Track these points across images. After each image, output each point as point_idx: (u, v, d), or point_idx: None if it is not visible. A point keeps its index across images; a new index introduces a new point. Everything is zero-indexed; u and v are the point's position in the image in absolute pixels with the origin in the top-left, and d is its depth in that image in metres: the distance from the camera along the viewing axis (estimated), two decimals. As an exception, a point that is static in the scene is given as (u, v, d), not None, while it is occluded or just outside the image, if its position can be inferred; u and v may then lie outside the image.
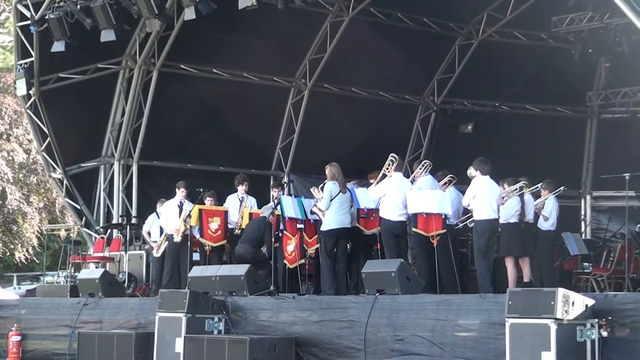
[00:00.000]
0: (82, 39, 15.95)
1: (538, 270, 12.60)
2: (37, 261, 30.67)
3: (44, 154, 18.38)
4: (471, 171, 11.87)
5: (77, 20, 15.44)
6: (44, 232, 27.93)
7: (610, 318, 8.58)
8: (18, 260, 30.33)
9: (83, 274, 14.83)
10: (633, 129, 19.97)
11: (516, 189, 11.93)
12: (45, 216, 30.45)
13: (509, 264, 11.84)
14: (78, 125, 18.65)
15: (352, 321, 10.31)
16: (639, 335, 8.44)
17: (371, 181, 12.75)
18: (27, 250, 29.95)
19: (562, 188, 12.94)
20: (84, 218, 18.69)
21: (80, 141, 18.89)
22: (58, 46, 15.81)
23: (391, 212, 11.95)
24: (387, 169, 12.16)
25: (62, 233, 27.94)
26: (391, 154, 12.19)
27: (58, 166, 18.28)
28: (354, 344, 10.19)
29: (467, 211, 12.33)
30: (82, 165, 18.83)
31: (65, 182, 18.46)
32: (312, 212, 12.91)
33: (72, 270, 17.72)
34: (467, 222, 12.24)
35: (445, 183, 12.78)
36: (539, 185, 12.63)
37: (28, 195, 29.76)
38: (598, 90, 20.78)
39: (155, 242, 15.04)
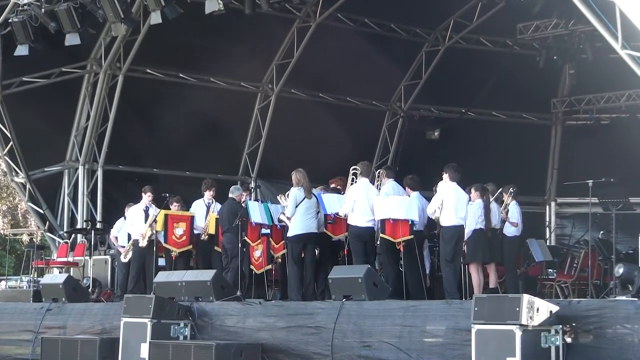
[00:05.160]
0: (46, 43, 15.77)
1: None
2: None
3: (6, 158, 18.17)
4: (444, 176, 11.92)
5: (41, 23, 15.26)
6: (6, 237, 27.59)
7: (574, 324, 8.64)
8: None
9: (46, 279, 14.68)
10: (597, 136, 20.19)
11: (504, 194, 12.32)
12: (8, 220, 30.08)
13: (473, 270, 11.88)
14: (42, 130, 18.44)
15: (319, 327, 10.30)
16: (603, 341, 8.51)
17: (332, 186, 12.94)
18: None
19: (512, 189, 12.61)
20: (47, 223, 18.51)
21: (44, 145, 18.68)
22: (21, 50, 15.57)
23: (359, 219, 11.94)
24: (352, 184, 12.30)
25: (25, 237, 27.62)
26: (352, 168, 12.35)
27: (21, 170, 18.09)
28: (321, 350, 10.17)
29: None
30: (46, 169, 18.64)
31: (28, 186, 18.26)
32: (279, 220, 12.91)
33: (35, 275, 17.52)
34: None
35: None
36: (499, 190, 12.64)
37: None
38: (562, 97, 20.98)
39: (123, 246, 14.91)
